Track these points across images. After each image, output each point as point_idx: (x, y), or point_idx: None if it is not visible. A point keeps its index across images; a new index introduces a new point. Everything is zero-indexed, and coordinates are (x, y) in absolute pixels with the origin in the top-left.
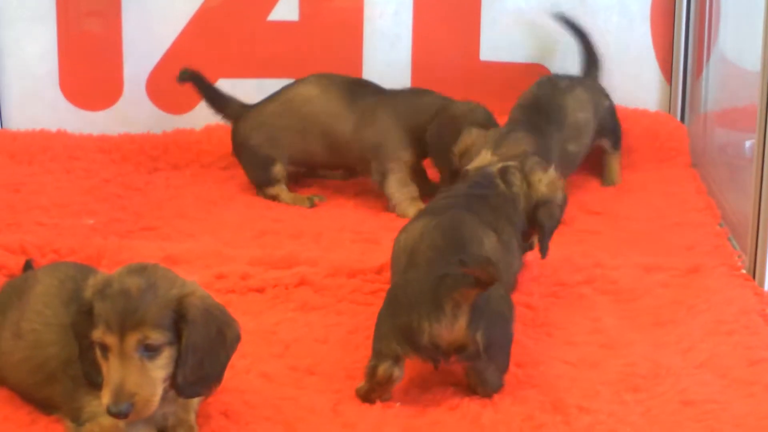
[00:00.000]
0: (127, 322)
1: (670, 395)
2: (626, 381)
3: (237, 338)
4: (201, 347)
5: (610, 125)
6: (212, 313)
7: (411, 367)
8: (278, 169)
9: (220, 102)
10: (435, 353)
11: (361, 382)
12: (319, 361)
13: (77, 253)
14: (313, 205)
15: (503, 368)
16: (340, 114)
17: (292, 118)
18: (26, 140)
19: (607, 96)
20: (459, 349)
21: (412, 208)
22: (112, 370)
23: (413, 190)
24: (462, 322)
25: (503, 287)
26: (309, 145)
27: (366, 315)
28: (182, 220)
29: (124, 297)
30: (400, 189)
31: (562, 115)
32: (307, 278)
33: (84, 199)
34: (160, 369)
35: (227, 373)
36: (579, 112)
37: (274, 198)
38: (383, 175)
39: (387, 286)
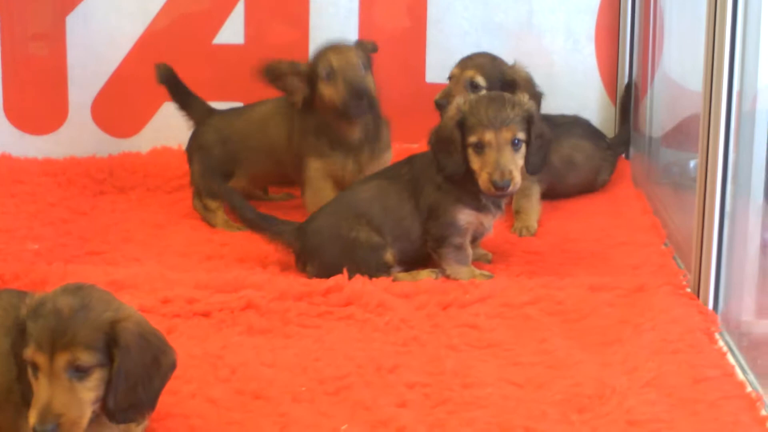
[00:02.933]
0: (57, 341)
1: (616, 415)
2: (573, 401)
3: (172, 366)
4: (134, 373)
5: None
6: (147, 339)
7: (358, 392)
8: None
9: (186, 100)
10: None
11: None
12: (266, 385)
13: (21, 279)
14: (239, 230)
15: None
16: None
17: (260, 139)
18: None
19: None
20: None
21: None
22: (40, 390)
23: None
24: None
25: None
26: (272, 164)
27: (313, 338)
28: (128, 244)
29: (55, 316)
30: None
31: None
32: (253, 302)
33: (29, 223)
34: (89, 391)
35: (172, 398)
36: None
37: (206, 210)
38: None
39: (334, 309)
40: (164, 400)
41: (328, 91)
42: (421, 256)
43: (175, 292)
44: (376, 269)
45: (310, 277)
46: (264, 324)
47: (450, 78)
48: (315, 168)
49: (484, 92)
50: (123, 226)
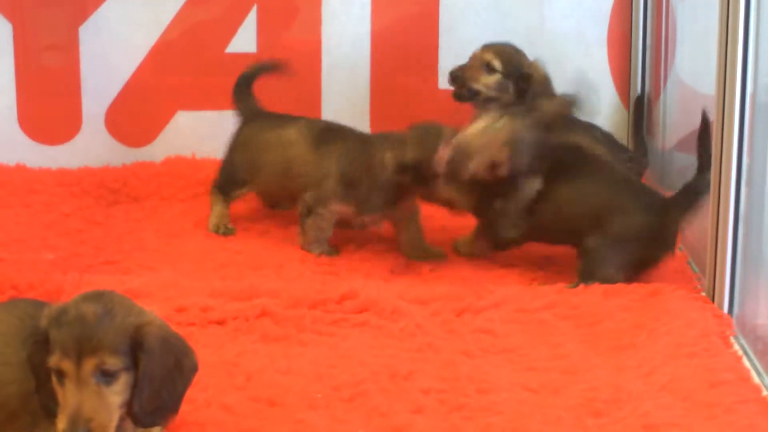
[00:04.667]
0: (84, 347)
1: (631, 419)
2: (588, 406)
3: (194, 368)
4: (158, 376)
5: None
6: (170, 343)
7: (374, 398)
8: (241, 192)
9: (240, 95)
10: None
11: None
12: (281, 392)
13: (36, 289)
14: (226, 233)
15: None
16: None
17: (277, 156)
18: None
19: None
20: None
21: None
22: (68, 396)
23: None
24: None
25: None
26: (282, 184)
27: (328, 345)
28: (142, 253)
29: (80, 323)
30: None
31: None
32: (268, 309)
33: (44, 233)
34: (116, 395)
35: (188, 406)
36: None
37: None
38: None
39: (349, 316)
40: (181, 408)
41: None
42: None
43: (189, 300)
44: None
45: None
46: (279, 331)
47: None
48: (334, 210)
49: (498, 77)
50: (137, 235)
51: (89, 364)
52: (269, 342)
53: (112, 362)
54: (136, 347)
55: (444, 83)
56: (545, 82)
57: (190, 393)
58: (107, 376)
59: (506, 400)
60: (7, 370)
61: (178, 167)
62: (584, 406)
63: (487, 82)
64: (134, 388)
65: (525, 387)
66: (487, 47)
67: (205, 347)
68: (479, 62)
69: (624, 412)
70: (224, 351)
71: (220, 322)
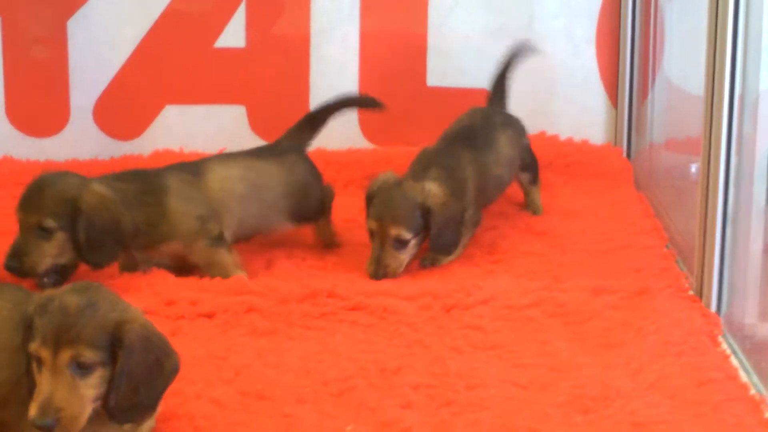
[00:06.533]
0: (61, 337)
1: (620, 417)
2: (576, 403)
3: (175, 369)
4: (136, 374)
5: (528, 161)
6: (152, 342)
7: (363, 393)
8: None
9: (305, 127)
10: None
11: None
12: (270, 386)
13: (24, 282)
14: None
15: None
16: None
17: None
18: None
19: (525, 134)
20: None
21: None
22: (42, 384)
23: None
24: None
25: None
26: None
27: (316, 340)
28: None
29: (62, 313)
30: None
31: (492, 144)
32: (256, 304)
33: None
34: (91, 388)
35: (177, 399)
36: (507, 148)
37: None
38: None
39: (338, 311)
40: (169, 401)
41: None
42: None
43: (178, 294)
44: None
45: None
46: (268, 326)
47: (369, 231)
48: None
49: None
50: None
51: (65, 355)
52: (258, 336)
53: (88, 355)
54: (115, 343)
55: (433, 80)
56: (443, 207)
57: (179, 386)
58: (82, 369)
59: (495, 396)
60: (0, 355)
61: (167, 161)
62: (572, 403)
63: None
64: (111, 383)
65: (513, 383)
66: (382, 215)
67: (194, 340)
68: (389, 240)
69: (612, 409)
70: (213, 345)
71: (209, 316)
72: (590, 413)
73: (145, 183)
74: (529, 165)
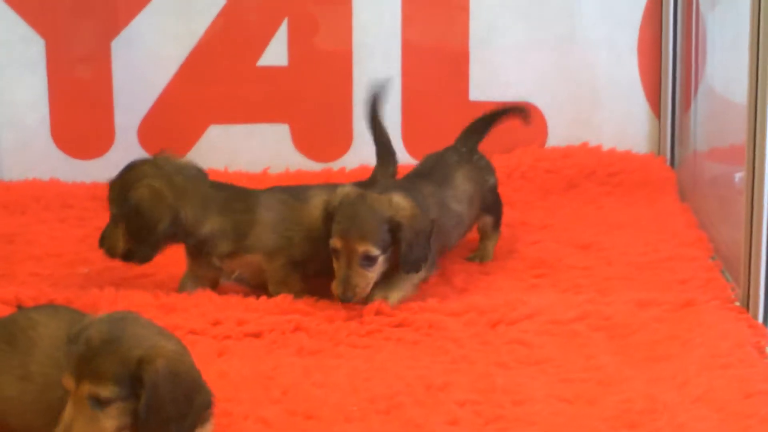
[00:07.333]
0: (82, 370)
1: (667, 430)
2: (623, 417)
3: (207, 405)
4: (164, 409)
5: (491, 202)
6: (180, 378)
7: (409, 410)
8: None
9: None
10: None
11: None
12: (318, 405)
13: (73, 303)
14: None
15: None
16: None
17: None
18: (19, 190)
19: (492, 174)
20: None
21: None
22: (65, 413)
23: None
24: None
25: None
26: None
27: (363, 357)
28: (175, 266)
29: (86, 345)
30: None
31: (449, 181)
32: (303, 323)
33: (78, 248)
34: (111, 419)
35: (225, 419)
36: (465, 184)
37: None
38: None
39: (384, 328)
40: (218, 421)
41: None
42: None
43: (225, 313)
44: None
45: None
46: (314, 345)
47: (333, 250)
48: None
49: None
50: (170, 247)
51: (83, 388)
52: (305, 355)
53: (103, 392)
54: (136, 380)
55: (475, 95)
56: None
57: (227, 406)
58: (100, 403)
59: (541, 412)
60: (57, 373)
61: None
62: (619, 418)
63: None
64: (137, 416)
65: (560, 398)
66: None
67: (241, 360)
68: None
69: (659, 423)
70: (260, 364)
71: (256, 335)
72: (637, 427)
73: (240, 192)
74: (491, 207)
